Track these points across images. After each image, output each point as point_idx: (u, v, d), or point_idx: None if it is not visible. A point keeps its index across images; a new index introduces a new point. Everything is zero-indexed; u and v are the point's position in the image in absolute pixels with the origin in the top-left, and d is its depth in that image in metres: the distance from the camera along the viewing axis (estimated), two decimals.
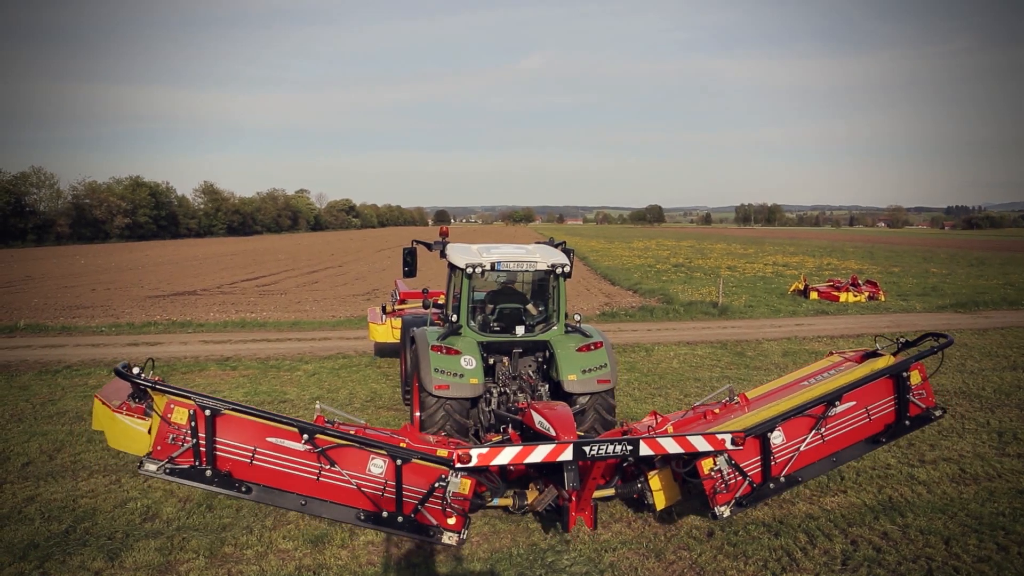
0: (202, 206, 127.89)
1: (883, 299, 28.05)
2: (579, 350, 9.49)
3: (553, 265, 9.82)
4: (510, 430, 8.64)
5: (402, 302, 16.37)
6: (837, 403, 7.60)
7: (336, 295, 30.22)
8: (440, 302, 12.13)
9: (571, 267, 10.21)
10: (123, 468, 9.27)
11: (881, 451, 9.96)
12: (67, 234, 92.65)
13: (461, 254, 10.00)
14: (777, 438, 7.39)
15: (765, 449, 7.31)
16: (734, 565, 6.95)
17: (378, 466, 6.79)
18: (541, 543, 7.38)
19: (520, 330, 9.93)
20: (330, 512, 6.75)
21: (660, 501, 7.40)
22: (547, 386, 9.56)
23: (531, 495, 7.37)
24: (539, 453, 6.55)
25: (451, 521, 6.79)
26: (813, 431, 7.52)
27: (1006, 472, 9.36)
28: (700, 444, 6.75)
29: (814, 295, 28.37)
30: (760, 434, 7.25)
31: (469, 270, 9.58)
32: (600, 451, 6.57)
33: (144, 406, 6.40)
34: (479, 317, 10.19)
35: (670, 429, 7.93)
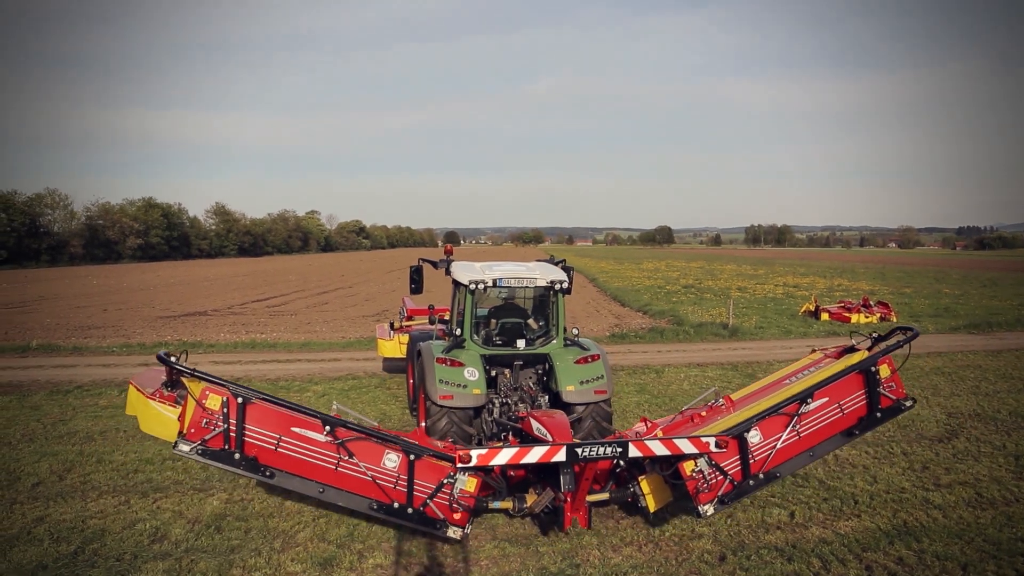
0: (214, 227, 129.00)
1: (895, 320, 27.85)
2: (577, 362, 9.89)
3: (552, 282, 10.28)
4: (511, 438, 9.11)
5: (409, 318, 16.78)
6: (810, 400, 7.96)
7: (346, 316, 30.27)
8: (445, 318, 12.56)
9: (570, 284, 10.73)
10: (132, 489, 9.27)
11: (895, 475, 9.88)
12: (80, 255, 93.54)
13: (465, 271, 10.53)
14: (754, 437, 7.78)
15: (743, 448, 7.68)
16: None
17: (392, 460, 7.20)
18: (551, 567, 7.30)
19: (521, 343, 10.38)
20: (345, 500, 7.11)
21: (652, 503, 7.73)
22: (547, 396, 9.96)
23: (530, 499, 7.70)
24: (535, 454, 6.97)
25: (457, 516, 7.20)
26: (789, 428, 7.89)
27: None
28: (686, 447, 7.15)
29: (825, 316, 28.19)
30: (737, 434, 7.62)
31: (472, 287, 10.06)
32: (592, 452, 6.99)
33: (175, 395, 6.95)
34: (482, 331, 10.62)
35: (659, 433, 8.42)
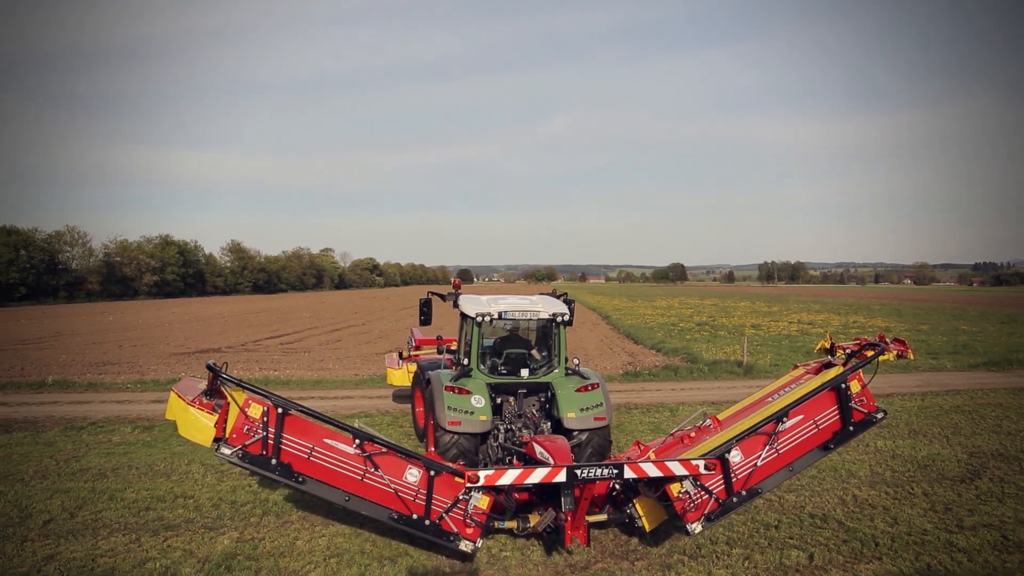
0: (229, 264, 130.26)
1: (912, 358, 27.44)
2: (578, 390, 10.42)
3: (554, 314, 10.80)
4: (515, 461, 9.53)
5: (418, 348, 17.14)
6: (785, 419, 8.46)
7: (359, 353, 30.29)
8: (452, 347, 13.18)
9: (571, 316, 11.30)
10: (143, 527, 9.22)
11: (916, 516, 9.67)
12: (97, 291, 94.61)
13: (471, 304, 11.10)
14: (735, 456, 8.25)
15: (725, 468, 8.12)
16: None
17: (413, 475, 7.71)
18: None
19: (525, 373, 10.91)
20: (368, 509, 7.61)
21: (647, 523, 8.14)
22: (549, 423, 10.50)
23: (533, 519, 8.16)
24: (537, 475, 7.41)
25: (469, 531, 7.65)
26: (767, 446, 8.35)
27: None
28: (677, 469, 7.55)
29: (841, 354, 27.87)
30: (719, 455, 8.05)
31: (479, 318, 10.66)
32: (589, 474, 7.39)
33: (213, 403, 7.33)
34: (488, 361, 11.14)
35: (652, 456, 8.86)
